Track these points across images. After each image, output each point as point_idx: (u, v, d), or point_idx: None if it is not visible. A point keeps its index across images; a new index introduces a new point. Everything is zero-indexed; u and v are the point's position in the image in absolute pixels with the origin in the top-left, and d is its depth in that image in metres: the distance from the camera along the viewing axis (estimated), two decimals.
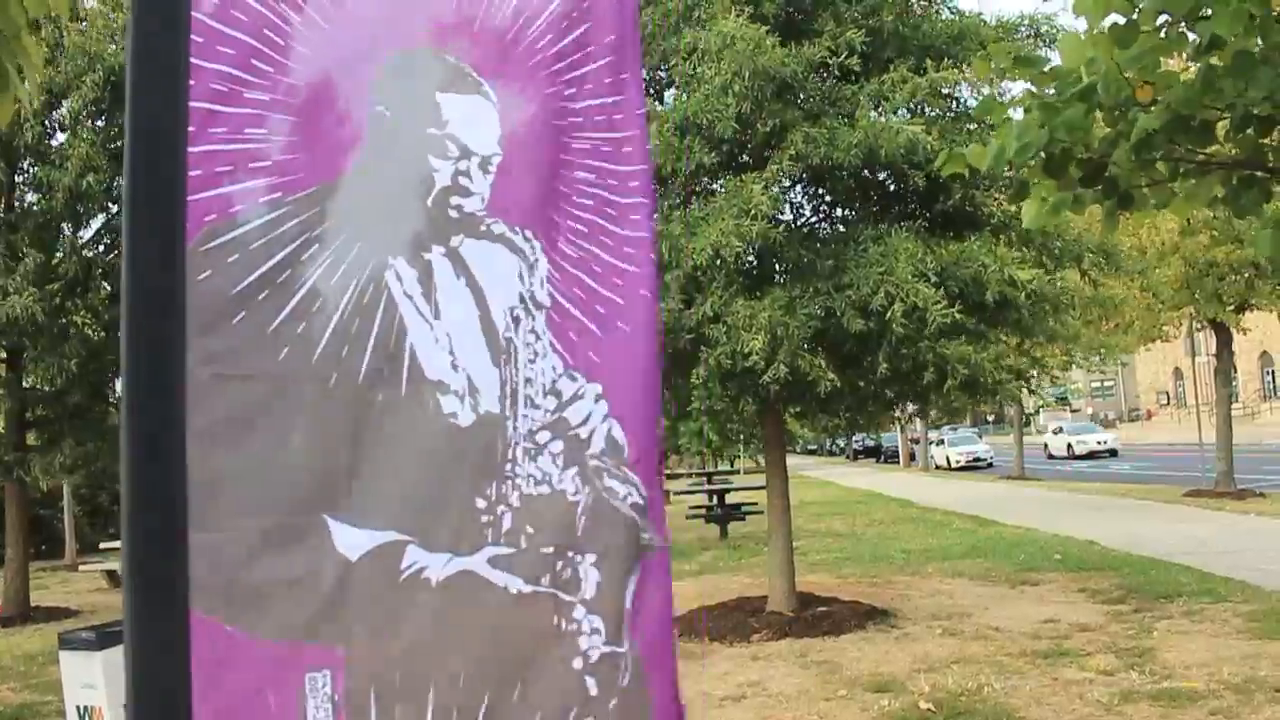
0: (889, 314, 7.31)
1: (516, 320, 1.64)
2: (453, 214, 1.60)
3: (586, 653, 1.60)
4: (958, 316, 7.30)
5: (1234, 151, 3.72)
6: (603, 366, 1.71)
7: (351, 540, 1.45)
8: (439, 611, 1.50)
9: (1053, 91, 3.43)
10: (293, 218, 1.44)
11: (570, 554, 1.61)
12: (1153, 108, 3.32)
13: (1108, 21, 3.29)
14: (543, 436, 1.64)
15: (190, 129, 1.32)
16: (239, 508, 1.38)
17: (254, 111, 1.41)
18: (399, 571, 1.48)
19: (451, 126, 1.61)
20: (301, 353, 1.44)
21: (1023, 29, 8.81)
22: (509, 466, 1.60)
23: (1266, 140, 3.57)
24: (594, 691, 1.60)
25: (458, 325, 1.58)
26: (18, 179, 12.95)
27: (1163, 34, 3.33)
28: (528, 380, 1.64)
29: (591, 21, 1.76)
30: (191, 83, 1.33)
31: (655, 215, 1.87)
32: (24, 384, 13.59)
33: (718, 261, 7.61)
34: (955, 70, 7.92)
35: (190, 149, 1.32)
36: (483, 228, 1.63)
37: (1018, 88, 4.21)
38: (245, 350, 1.40)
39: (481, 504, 1.56)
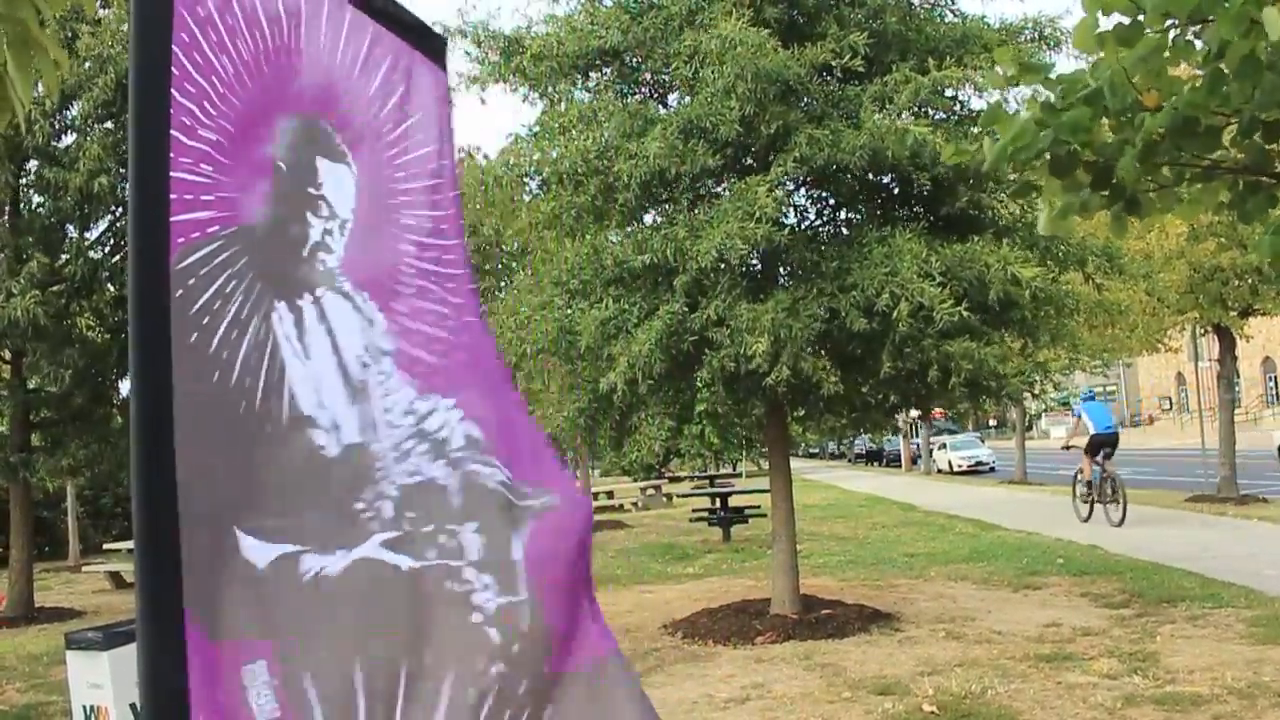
0: (895, 314, 7.32)
1: (365, 365, 1.86)
2: (319, 267, 1.82)
3: (483, 607, 1.80)
4: (965, 314, 7.30)
5: (1240, 157, 3.73)
6: (452, 387, 1.95)
7: (256, 552, 1.61)
8: (347, 597, 1.70)
9: (1059, 94, 3.43)
10: (224, 251, 1.60)
11: (450, 526, 1.82)
12: (1158, 113, 3.33)
13: (1112, 21, 3.30)
14: (408, 445, 1.86)
15: (170, 155, 1.48)
16: (198, 516, 1.52)
17: (205, 149, 1.56)
18: (300, 576, 1.66)
19: (324, 189, 1.84)
20: (225, 378, 1.60)
21: (1026, 32, 8.82)
22: (379, 473, 1.81)
23: (1273, 146, 3.58)
24: (497, 639, 1.80)
25: (321, 368, 1.78)
26: (22, 181, 12.98)
27: (1170, 39, 3.34)
28: (386, 409, 1.86)
29: (421, 113, 2.04)
30: (171, 111, 1.48)
31: (474, 279, 2.19)
32: (28, 386, 13.61)
33: (722, 265, 7.62)
34: (958, 69, 7.91)
35: (171, 174, 1.48)
36: (337, 284, 1.85)
37: (1024, 93, 4.22)
38: (197, 369, 1.54)
39: (360, 505, 1.77)
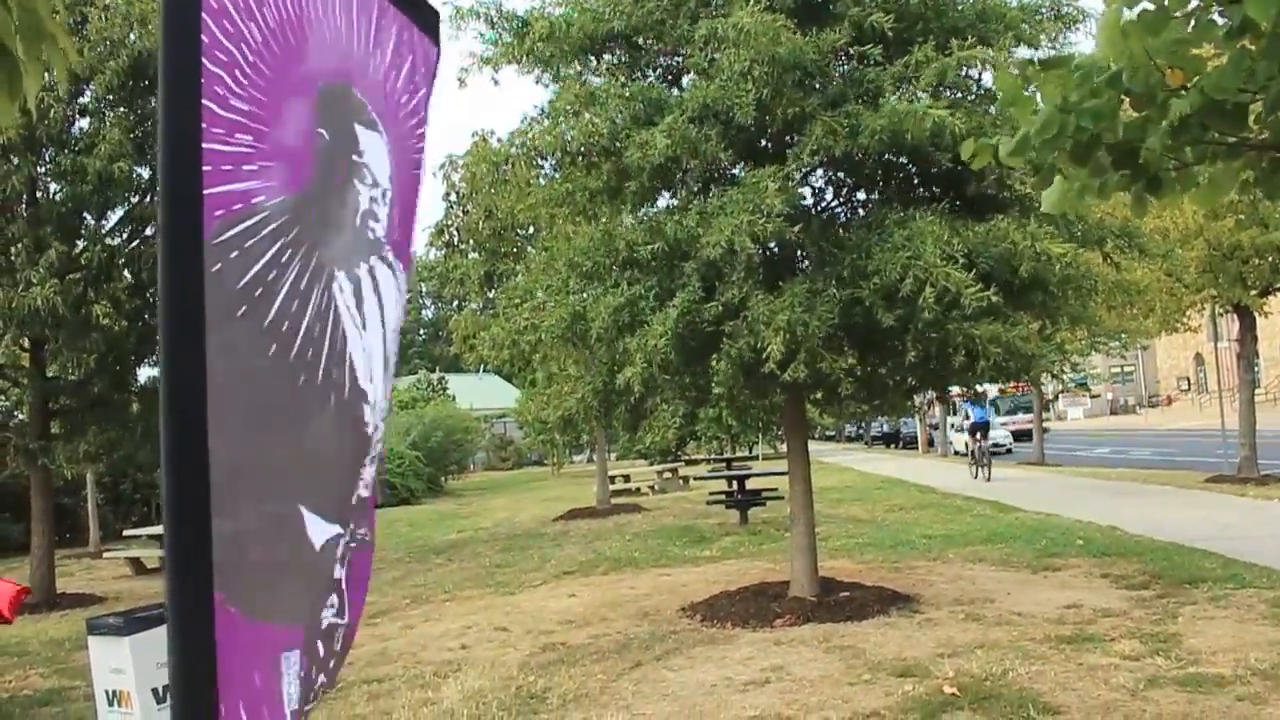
0: (921, 300, 7.22)
1: (394, 341, 1.92)
2: (369, 235, 1.82)
3: (334, 625, 1.90)
4: (993, 299, 7.21)
5: (1265, 135, 3.68)
6: (382, 388, 1.98)
7: (317, 529, 1.62)
8: (328, 597, 1.74)
9: (1078, 83, 3.39)
10: (273, 221, 1.55)
11: (354, 545, 1.88)
12: (1184, 92, 3.29)
13: (1138, 9, 3.25)
14: (378, 442, 1.92)
15: (203, 125, 1.42)
16: (247, 496, 1.48)
17: (240, 119, 1.50)
18: (334, 562, 1.69)
19: (366, 156, 1.82)
20: (284, 351, 1.57)
21: (1044, 10, 8.72)
22: (364, 469, 1.86)
23: None
24: (323, 653, 1.87)
25: (372, 340, 1.80)
26: (40, 170, 13.01)
27: (1192, 20, 3.29)
28: (386, 394, 1.91)
29: (426, 87, 2.07)
30: (202, 81, 1.42)
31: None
32: (47, 374, 13.68)
33: (732, 256, 7.55)
34: (981, 49, 7.81)
35: (204, 145, 1.42)
36: (383, 253, 1.86)
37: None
38: (246, 345, 1.49)
39: (354, 502, 1.81)
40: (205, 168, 1.41)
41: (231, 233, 1.45)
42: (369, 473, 1.88)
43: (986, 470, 24.95)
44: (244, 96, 1.50)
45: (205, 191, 1.40)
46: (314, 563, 1.61)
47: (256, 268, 1.49)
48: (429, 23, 2.09)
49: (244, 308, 1.47)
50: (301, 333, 1.59)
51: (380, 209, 1.84)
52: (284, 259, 1.55)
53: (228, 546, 1.43)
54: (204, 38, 1.41)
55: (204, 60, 1.41)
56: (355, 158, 1.79)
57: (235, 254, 1.46)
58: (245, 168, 1.49)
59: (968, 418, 27.32)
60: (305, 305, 1.60)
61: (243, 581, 1.47)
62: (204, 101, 1.41)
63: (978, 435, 26.04)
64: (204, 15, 1.41)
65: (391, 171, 1.89)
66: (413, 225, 2.02)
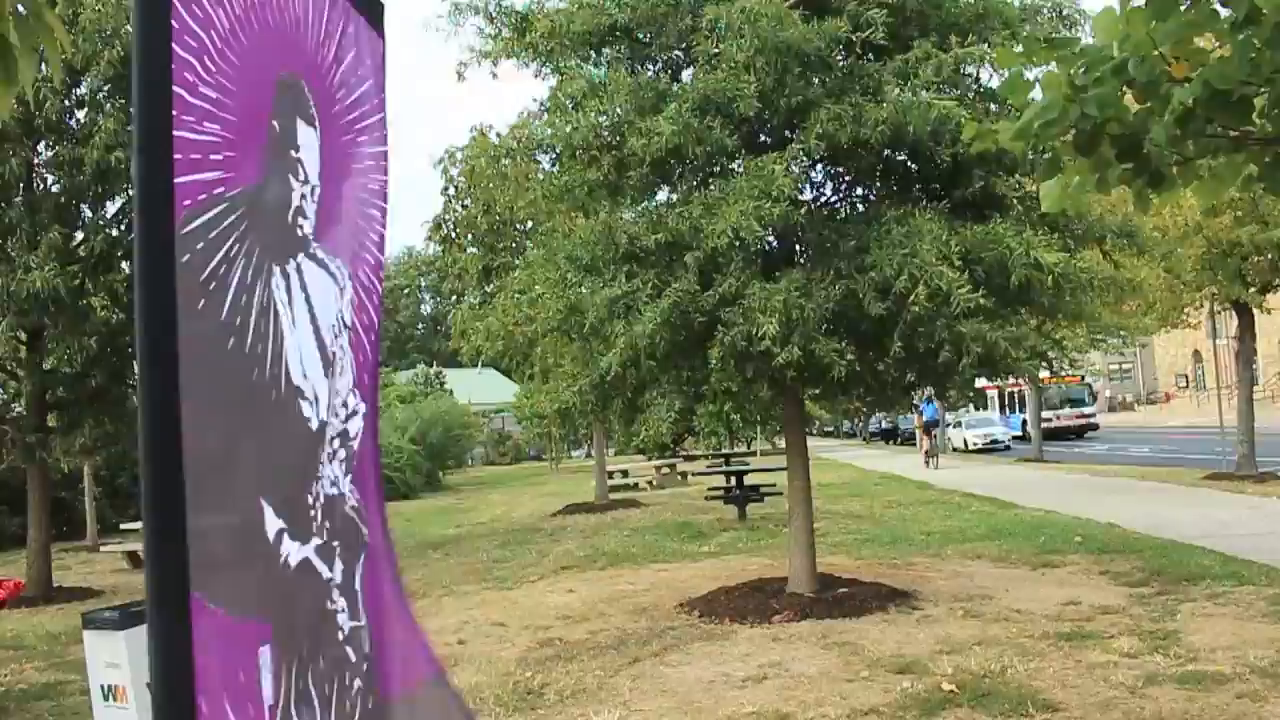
0: (913, 297, 7.21)
1: (335, 337, 1.88)
2: (299, 232, 1.80)
3: (343, 627, 1.89)
4: (981, 302, 7.20)
5: (1269, 129, 3.65)
6: (367, 390, 2.02)
7: (270, 525, 1.62)
8: (296, 593, 1.73)
9: (1083, 70, 3.36)
10: (232, 213, 1.53)
11: (334, 544, 1.87)
12: (1188, 83, 3.26)
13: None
14: (336, 444, 1.90)
15: (174, 112, 1.40)
16: (220, 492, 1.48)
17: (208, 106, 1.48)
18: (280, 554, 1.67)
19: (301, 152, 1.80)
20: (238, 346, 1.56)
21: (1045, 10, 8.70)
22: (321, 466, 1.84)
23: None
24: (353, 658, 1.90)
25: (304, 336, 1.78)
26: (36, 160, 12.98)
27: (1194, 11, 3.27)
28: (336, 391, 1.89)
29: (372, 79, 2.05)
30: (173, 67, 1.40)
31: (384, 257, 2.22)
32: (45, 366, 13.65)
33: (737, 244, 7.53)
34: (981, 47, 7.79)
35: (175, 133, 1.40)
36: (312, 249, 1.83)
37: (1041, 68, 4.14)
38: (208, 339, 1.48)
39: (309, 500, 1.79)
40: (176, 155, 1.39)
41: (197, 223, 1.44)
42: (331, 470, 1.87)
43: (935, 460, 30.67)
44: (212, 84, 1.48)
45: (176, 180, 1.39)
46: (271, 555, 1.61)
47: (214, 261, 1.49)
48: (374, 14, 2.08)
49: (203, 301, 1.46)
50: (251, 327, 1.59)
51: (309, 206, 1.83)
52: (233, 253, 1.54)
53: (205, 543, 1.42)
54: (174, 23, 1.39)
55: (174, 46, 1.39)
56: (293, 153, 1.78)
57: (200, 245, 1.45)
58: (212, 157, 1.48)
59: (922, 416, 33.13)
60: (252, 300, 1.59)
61: (221, 577, 1.45)
62: (174, 88, 1.39)
63: (930, 431, 32.62)
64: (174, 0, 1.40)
65: (320, 168, 1.87)
66: (355, 223, 2.00)
